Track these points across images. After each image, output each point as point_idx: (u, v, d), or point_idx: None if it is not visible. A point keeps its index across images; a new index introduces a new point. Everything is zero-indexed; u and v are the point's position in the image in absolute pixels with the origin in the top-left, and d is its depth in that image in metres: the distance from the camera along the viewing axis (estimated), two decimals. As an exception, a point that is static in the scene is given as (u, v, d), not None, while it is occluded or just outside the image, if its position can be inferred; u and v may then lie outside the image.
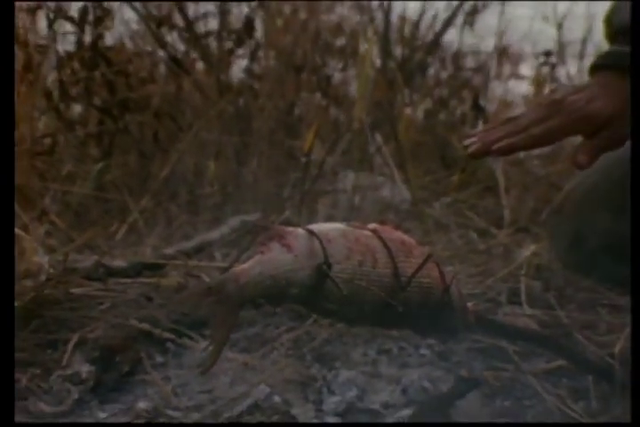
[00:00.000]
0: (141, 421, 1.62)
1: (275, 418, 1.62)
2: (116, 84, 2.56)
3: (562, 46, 2.71)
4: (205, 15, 2.64)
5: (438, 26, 2.75)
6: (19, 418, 1.64)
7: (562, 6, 2.69)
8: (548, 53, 2.69)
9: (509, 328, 1.71)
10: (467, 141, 1.82)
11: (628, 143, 2.05)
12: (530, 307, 1.83)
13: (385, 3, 2.72)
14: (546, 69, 2.71)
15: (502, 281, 1.89)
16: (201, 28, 2.64)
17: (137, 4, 2.64)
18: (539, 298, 1.86)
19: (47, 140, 2.52)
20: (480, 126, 2.71)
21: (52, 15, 2.59)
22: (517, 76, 2.71)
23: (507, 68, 2.73)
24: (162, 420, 1.62)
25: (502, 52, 2.71)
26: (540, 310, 1.82)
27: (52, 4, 2.60)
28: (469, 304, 1.63)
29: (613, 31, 1.90)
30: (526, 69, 2.73)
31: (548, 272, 1.94)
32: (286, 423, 1.61)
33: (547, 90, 2.75)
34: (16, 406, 1.65)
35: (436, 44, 2.69)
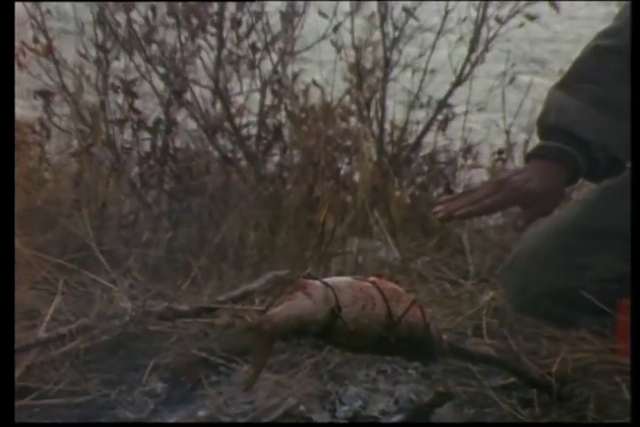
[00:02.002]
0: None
1: (300, 421, 1.62)
2: (182, 175, 2.58)
3: (510, 146, 2.72)
4: (247, 124, 2.62)
5: (419, 131, 2.73)
6: (118, 413, 1.64)
7: (509, 119, 2.71)
8: (500, 152, 2.71)
9: (474, 354, 1.71)
10: (435, 209, 1.83)
11: (562, 215, 2.03)
12: (489, 338, 1.82)
13: (379, 115, 2.70)
14: (499, 163, 2.72)
15: (469, 319, 1.88)
16: (244, 133, 2.61)
17: (196, 114, 2.63)
18: (496, 332, 1.85)
19: (131, 217, 2.53)
20: None
21: (135, 126, 2.61)
22: (477, 167, 2.71)
23: (469, 161, 2.73)
24: (217, 423, 1.61)
25: (466, 151, 2.71)
26: (496, 341, 1.81)
27: (135, 117, 2.60)
28: (444, 336, 1.63)
29: (543, 130, 1.91)
30: (484, 161, 2.72)
31: (502, 312, 1.94)
32: (286, 423, 1.61)
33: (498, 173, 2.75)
34: (107, 414, 1.64)
35: (417, 144, 2.70)
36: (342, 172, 2.63)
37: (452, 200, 1.82)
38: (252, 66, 2.65)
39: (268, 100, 2.65)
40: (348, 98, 2.70)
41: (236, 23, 2.63)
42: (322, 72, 2.71)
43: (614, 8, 2.22)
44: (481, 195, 1.83)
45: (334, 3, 2.65)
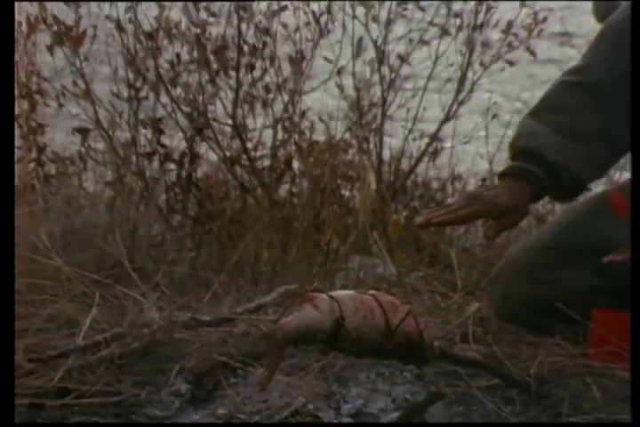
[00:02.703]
0: (220, 421, 1.60)
1: (308, 419, 1.61)
2: (203, 201, 2.57)
3: (492, 174, 2.72)
4: (261, 156, 2.62)
5: (413, 162, 2.72)
6: (148, 411, 1.63)
7: (492, 147, 2.71)
8: (484, 179, 2.72)
9: (462, 358, 1.69)
10: (417, 219, 1.86)
11: (539, 235, 2.04)
12: (475, 344, 1.81)
13: (377, 148, 2.69)
14: None
15: (457, 328, 1.87)
16: (259, 164, 2.61)
17: (216, 147, 2.63)
18: (481, 339, 1.84)
19: (158, 238, 2.53)
20: (445, 231, 2.68)
21: (162, 158, 2.61)
22: (463, 192, 2.72)
23: (457, 188, 2.73)
24: (234, 421, 1.60)
25: (454, 179, 2.71)
26: (481, 347, 1.80)
27: (162, 150, 2.61)
28: (435, 343, 1.62)
29: (514, 152, 1.92)
30: (470, 188, 2.73)
31: (486, 321, 1.93)
32: (286, 424, 1.59)
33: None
34: (138, 412, 1.63)
35: (411, 173, 2.69)
36: (345, 197, 2.63)
37: (431, 211, 1.85)
38: (266, 105, 2.65)
39: (280, 135, 2.65)
40: (349, 133, 2.71)
41: (251, 67, 2.62)
42: (327, 110, 2.72)
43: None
44: (456, 207, 1.84)
45: (337, 49, 2.64)
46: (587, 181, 1.91)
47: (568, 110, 1.90)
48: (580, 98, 1.91)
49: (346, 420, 1.62)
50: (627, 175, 2.35)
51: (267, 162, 2.64)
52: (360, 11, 2.64)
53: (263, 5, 2.63)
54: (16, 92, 2.67)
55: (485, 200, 1.84)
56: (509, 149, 1.93)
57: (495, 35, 2.68)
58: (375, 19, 2.64)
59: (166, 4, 2.62)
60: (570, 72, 1.97)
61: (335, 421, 1.61)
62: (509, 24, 2.65)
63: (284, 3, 2.63)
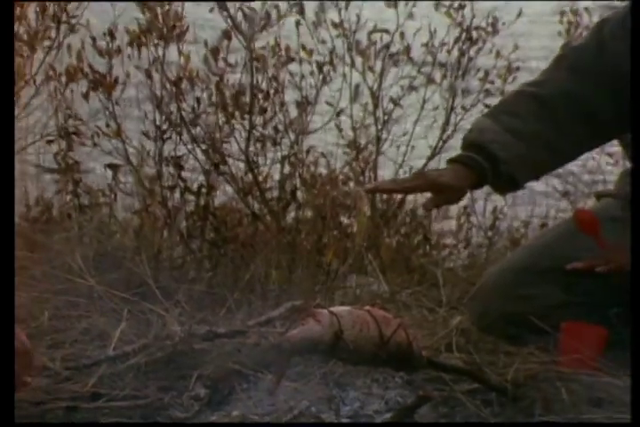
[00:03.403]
0: (236, 421, 1.61)
1: (311, 420, 1.61)
2: (219, 228, 2.57)
3: (472, 202, 2.71)
4: (270, 188, 2.62)
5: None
6: (171, 413, 1.64)
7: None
8: (465, 207, 2.72)
9: (446, 366, 1.69)
10: (366, 186, 1.94)
11: (514, 257, 2.03)
12: (458, 353, 1.80)
13: (372, 180, 2.67)
14: (464, 215, 2.70)
15: (442, 339, 1.86)
16: (268, 195, 2.62)
17: (229, 179, 2.63)
18: (463, 348, 1.83)
19: (179, 260, 2.53)
20: (427, 249, 2.64)
21: (183, 190, 2.61)
22: (448, 218, 2.70)
23: (441, 215, 2.72)
24: (247, 422, 1.60)
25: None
26: (464, 355, 1.80)
27: (182, 184, 2.61)
28: (423, 352, 1.62)
29: (465, 144, 1.94)
30: (452, 214, 2.71)
31: (468, 333, 1.92)
32: (286, 424, 1.58)
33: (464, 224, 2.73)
34: (162, 414, 1.64)
35: (401, 202, 2.68)
36: (344, 224, 2.62)
37: (382, 182, 1.89)
38: (275, 143, 2.65)
39: (287, 169, 2.65)
40: (347, 167, 2.71)
41: (263, 110, 2.62)
42: (328, 147, 2.72)
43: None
44: (402, 180, 1.93)
45: (337, 94, 2.65)
46: (522, 179, 1.91)
47: (519, 115, 1.91)
48: (531, 107, 1.91)
49: (345, 420, 1.62)
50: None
51: (275, 193, 2.64)
52: (358, 61, 2.65)
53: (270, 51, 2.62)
54: (55, 133, 2.68)
55: (429, 177, 1.87)
56: (462, 141, 1.95)
57: (474, 82, 2.68)
58: (371, 68, 2.65)
59: (191, 55, 2.61)
60: (528, 84, 1.98)
61: (335, 421, 1.62)
62: (487, 73, 2.67)
63: (292, 55, 2.62)
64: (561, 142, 1.90)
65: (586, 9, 2.76)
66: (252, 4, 2.55)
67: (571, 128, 1.89)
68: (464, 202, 2.66)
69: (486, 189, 2.58)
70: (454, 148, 2.74)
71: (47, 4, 2.59)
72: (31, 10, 2.60)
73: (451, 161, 1.90)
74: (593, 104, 1.89)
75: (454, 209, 2.70)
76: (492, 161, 1.85)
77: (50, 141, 2.68)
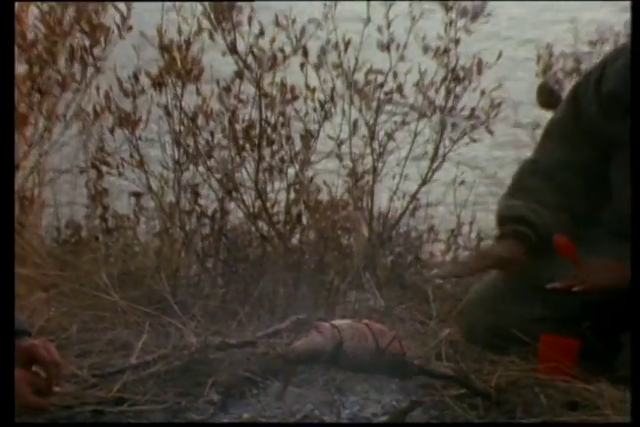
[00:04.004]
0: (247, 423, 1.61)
1: (315, 421, 1.61)
2: (231, 248, 2.57)
3: (459, 226, 2.69)
4: (277, 213, 2.62)
5: (397, 216, 2.69)
6: (188, 416, 1.63)
7: (459, 206, 2.67)
8: (453, 230, 2.69)
9: (436, 373, 1.70)
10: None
11: (498, 276, 2.04)
12: (447, 362, 1.80)
13: (369, 206, 2.65)
14: (452, 238, 2.67)
15: (432, 349, 1.85)
16: (275, 219, 2.61)
17: (240, 204, 2.62)
18: (451, 357, 1.82)
19: (196, 278, 2.53)
20: (419, 267, 2.61)
21: (199, 215, 2.62)
22: (437, 241, 2.69)
23: (432, 237, 2.71)
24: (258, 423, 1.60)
25: (429, 230, 2.67)
26: (452, 364, 1.79)
27: (199, 209, 2.61)
28: (415, 361, 1.63)
29: (502, 220, 1.95)
30: (442, 237, 2.70)
31: (456, 344, 1.92)
32: (285, 424, 1.57)
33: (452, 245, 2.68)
34: (179, 416, 1.63)
35: (396, 225, 2.65)
36: (344, 245, 2.62)
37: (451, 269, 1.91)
38: (281, 172, 2.64)
39: (292, 195, 2.64)
40: (347, 194, 2.70)
41: (270, 143, 2.62)
42: (329, 176, 2.71)
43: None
44: (471, 263, 1.98)
45: (337, 128, 2.64)
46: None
47: (531, 191, 1.95)
48: (536, 182, 1.97)
49: (345, 422, 1.62)
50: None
51: (282, 217, 2.63)
52: (356, 99, 2.64)
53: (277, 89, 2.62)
54: (85, 163, 2.69)
55: (493, 256, 1.93)
56: (498, 219, 1.98)
57: (461, 117, 2.69)
58: (368, 105, 2.65)
59: (206, 93, 2.61)
60: (528, 161, 2.02)
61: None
62: (473, 109, 2.66)
63: (296, 93, 2.61)
64: (575, 203, 1.94)
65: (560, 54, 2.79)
66: (261, 46, 2.55)
67: (577, 190, 1.93)
68: (452, 225, 2.68)
69: (471, 213, 2.61)
70: (443, 177, 2.78)
71: (76, 49, 2.61)
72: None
73: (499, 238, 1.93)
74: (586, 165, 1.92)
75: (443, 232, 2.70)
76: (533, 228, 1.89)
77: (82, 171, 2.69)
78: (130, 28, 2.57)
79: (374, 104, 2.64)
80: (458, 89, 2.65)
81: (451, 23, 2.57)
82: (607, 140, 1.89)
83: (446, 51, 2.61)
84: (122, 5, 2.55)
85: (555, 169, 1.95)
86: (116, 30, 2.59)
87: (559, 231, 1.90)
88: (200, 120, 2.62)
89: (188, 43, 2.56)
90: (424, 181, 2.68)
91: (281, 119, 2.62)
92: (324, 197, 2.66)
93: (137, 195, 2.68)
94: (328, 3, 2.55)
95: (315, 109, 2.63)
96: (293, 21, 2.52)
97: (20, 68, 2.59)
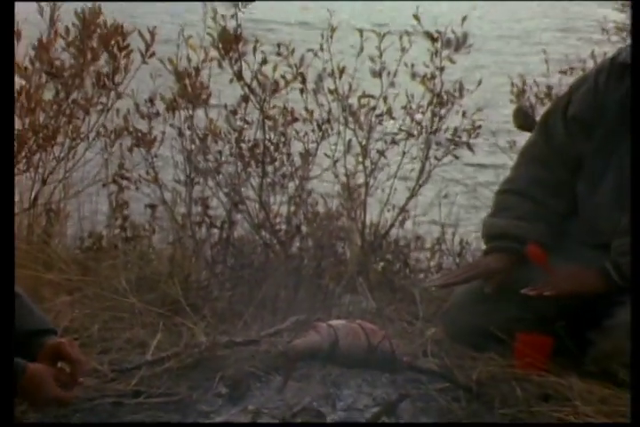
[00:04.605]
0: (249, 414, 1.59)
1: (313, 413, 1.59)
2: (238, 255, 2.57)
3: (443, 236, 2.68)
4: (279, 223, 2.62)
5: (387, 227, 2.67)
6: (198, 407, 1.62)
7: (444, 216, 2.66)
8: (438, 239, 2.63)
9: (423, 368, 1.70)
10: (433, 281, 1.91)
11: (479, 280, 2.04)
12: (432, 358, 1.80)
13: (362, 217, 2.63)
14: (437, 246, 2.64)
15: (419, 346, 1.86)
16: (277, 228, 2.62)
17: (246, 216, 2.61)
18: (436, 354, 1.82)
19: (205, 282, 2.50)
20: (407, 272, 2.61)
21: (208, 225, 2.61)
22: (422, 249, 2.68)
23: (419, 245, 2.70)
24: (261, 414, 1.58)
25: (416, 239, 2.66)
26: (437, 360, 1.79)
27: (208, 220, 2.61)
28: (404, 358, 1.63)
29: (488, 238, 1.98)
30: (427, 246, 2.69)
31: (440, 342, 1.91)
32: (285, 424, 1.56)
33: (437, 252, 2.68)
34: (190, 407, 1.62)
35: (386, 235, 2.63)
36: (339, 253, 2.62)
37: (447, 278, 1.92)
38: (282, 187, 2.65)
39: (292, 208, 2.65)
40: (341, 206, 2.69)
41: (273, 160, 2.63)
42: (326, 190, 2.71)
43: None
44: (462, 272, 1.95)
45: (333, 147, 2.64)
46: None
47: (510, 209, 1.97)
48: (514, 200, 1.99)
49: (340, 413, 1.61)
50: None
51: (283, 227, 2.63)
52: (350, 121, 2.64)
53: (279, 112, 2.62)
54: (106, 179, 2.70)
55: (482, 266, 1.95)
56: (484, 238, 2.01)
57: (445, 137, 2.69)
58: (361, 126, 2.65)
59: (213, 116, 2.62)
60: (504, 182, 2.04)
61: (332, 414, 1.60)
62: (455, 129, 2.67)
63: (296, 115, 2.62)
64: (547, 215, 1.95)
65: (533, 81, 2.80)
66: (265, 73, 2.56)
67: (547, 202, 1.94)
68: (437, 234, 2.69)
69: (454, 224, 2.60)
70: (429, 190, 2.79)
71: (102, 76, 2.62)
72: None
73: (486, 252, 1.97)
74: (556, 181, 1.94)
75: (429, 240, 2.70)
76: (518, 241, 1.91)
77: (104, 185, 2.69)
78: (152, 54, 2.57)
79: (366, 125, 2.64)
80: (442, 111, 2.66)
81: (436, 53, 2.59)
82: (573, 159, 1.92)
83: (432, 77, 2.63)
84: (146, 33, 2.55)
85: (528, 186, 1.97)
86: (139, 57, 2.59)
87: (539, 239, 1.91)
88: (209, 140, 2.63)
89: (198, 70, 2.58)
90: (412, 195, 2.68)
91: (282, 139, 2.64)
92: (320, 209, 2.67)
93: (152, 207, 2.68)
94: (325, 34, 2.57)
95: (313, 130, 2.64)
96: (293, 51, 2.54)
97: (48, 94, 2.60)
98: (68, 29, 2.58)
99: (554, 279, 1.86)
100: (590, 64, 2.70)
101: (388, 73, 2.58)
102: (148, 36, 2.54)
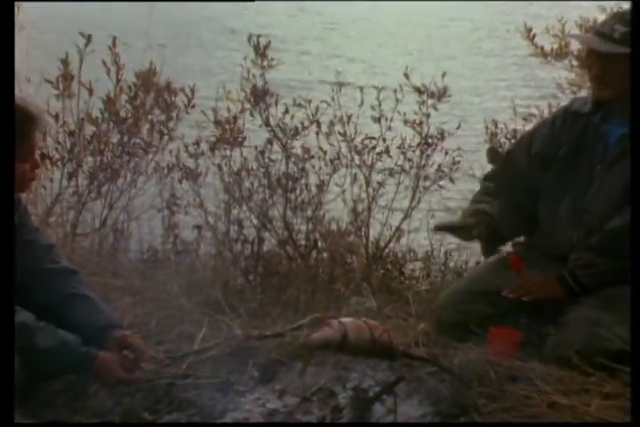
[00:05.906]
0: (276, 393, 1.58)
1: (327, 392, 1.57)
2: (266, 265, 2.57)
3: (432, 249, 2.65)
4: (299, 239, 2.62)
5: (386, 241, 2.63)
6: (234, 387, 1.61)
7: (431, 234, 2.64)
8: (427, 252, 2.62)
9: (415, 356, 1.68)
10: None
11: (458, 283, 2.03)
12: (423, 348, 1.78)
13: (366, 234, 2.62)
14: (427, 258, 2.61)
15: (412, 338, 1.84)
16: (299, 243, 2.63)
17: (273, 234, 2.63)
18: (426, 344, 1.81)
19: (240, 287, 2.52)
20: (402, 279, 2.59)
21: (242, 241, 2.65)
22: (416, 260, 2.65)
23: (412, 256, 2.68)
24: (286, 393, 1.57)
25: (409, 252, 2.64)
26: (426, 349, 1.77)
27: (242, 237, 2.64)
28: (400, 347, 1.62)
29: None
30: (420, 256, 2.67)
31: (429, 335, 1.90)
32: (285, 424, 1.52)
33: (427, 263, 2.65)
34: (227, 388, 1.61)
35: (385, 248, 2.61)
36: (348, 263, 2.62)
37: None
38: (302, 211, 2.66)
39: (310, 227, 2.66)
40: (350, 226, 2.70)
41: (293, 190, 2.66)
42: (337, 214, 2.72)
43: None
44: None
45: (342, 179, 2.66)
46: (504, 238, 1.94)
47: (486, 200, 1.95)
48: (489, 195, 1.96)
49: (349, 392, 1.59)
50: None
51: (303, 242, 2.64)
52: (356, 157, 2.68)
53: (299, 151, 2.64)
54: (161, 205, 2.73)
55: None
56: (463, 214, 1.95)
57: (432, 170, 2.70)
58: (364, 162, 2.68)
59: (246, 155, 2.63)
60: (485, 177, 2.02)
61: (342, 393, 1.58)
62: (440, 165, 2.69)
63: (312, 153, 2.64)
64: (515, 215, 1.92)
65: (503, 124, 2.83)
66: (286, 120, 2.60)
67: (514, 214, 1.92)
68: (428, 248, 2.68)
69: (440, 239, 2.58)
70: (419, 212, 2.78)
71: (155, 122, 2.67)
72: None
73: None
74: (517, 204, 1.94)
75: (420, 252, 2.70)
76: (488, 215, 1.87)
77: (159, 210, 2.73)
78: (193, 106, 2.62)
79: (369, 162, 2.67)
80: (429, 150, 2.68)
81: (423, 102, 2.62)
82: (533, 187, 1.93)
83: (420, 122, 2.65)
84: (188, 90, 2.59)
85: (500, 186, 1.95)
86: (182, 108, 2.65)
87: (500, 215, 1.89)
88: (243, 174, 2.67)
89: (235, 118, 2.63)
90: (405, 217, 2.70)
91: (302, 173, 2.67)
92: (333, 227, 2.68)
93: (198, 227, 2.70)
94: (334, 88, 2.61)
95: (326, 165, 2.67)
96: (309, 102, 2.58)
97: (114, 138, 2.66)
98: (130, 88, 2.64)
99: (525, 284, 1.87)
100: (546, 113, 2.72)
101: (386, 119, 2.62)
102: (189, 92, 2.59)
